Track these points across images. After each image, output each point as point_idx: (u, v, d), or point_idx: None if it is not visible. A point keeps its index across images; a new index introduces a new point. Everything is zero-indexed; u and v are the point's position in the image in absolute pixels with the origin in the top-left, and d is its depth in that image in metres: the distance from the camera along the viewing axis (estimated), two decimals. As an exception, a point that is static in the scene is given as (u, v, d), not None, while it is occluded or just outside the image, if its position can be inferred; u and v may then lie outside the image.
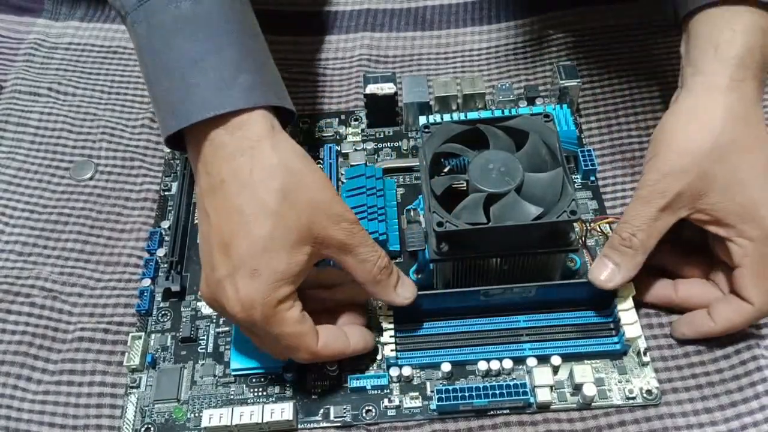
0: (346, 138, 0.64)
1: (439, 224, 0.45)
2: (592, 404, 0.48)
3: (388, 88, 0.61)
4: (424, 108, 0.62)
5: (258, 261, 0.42)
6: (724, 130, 0.46)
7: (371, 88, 0.61)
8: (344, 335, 0.48)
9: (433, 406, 0.48)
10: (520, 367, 0.50)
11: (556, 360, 0.49)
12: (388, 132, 0.64)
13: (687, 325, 0.50)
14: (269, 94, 0.45)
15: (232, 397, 0.50)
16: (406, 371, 0.49)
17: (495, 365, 0.49)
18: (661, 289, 0.51)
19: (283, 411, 0.48)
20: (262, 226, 0.42)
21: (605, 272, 0.48)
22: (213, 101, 0.43)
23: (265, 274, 0.42)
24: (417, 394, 0.49)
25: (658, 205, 0.46)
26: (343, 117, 0.66)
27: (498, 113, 0.56)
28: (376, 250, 0.46)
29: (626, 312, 0.49)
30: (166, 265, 0.56)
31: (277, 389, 0.50)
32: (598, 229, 0.54)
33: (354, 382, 0.50)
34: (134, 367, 0.51)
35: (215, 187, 0.44)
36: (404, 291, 0.48)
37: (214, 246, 0.44)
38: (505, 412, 0.48)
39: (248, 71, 0.44)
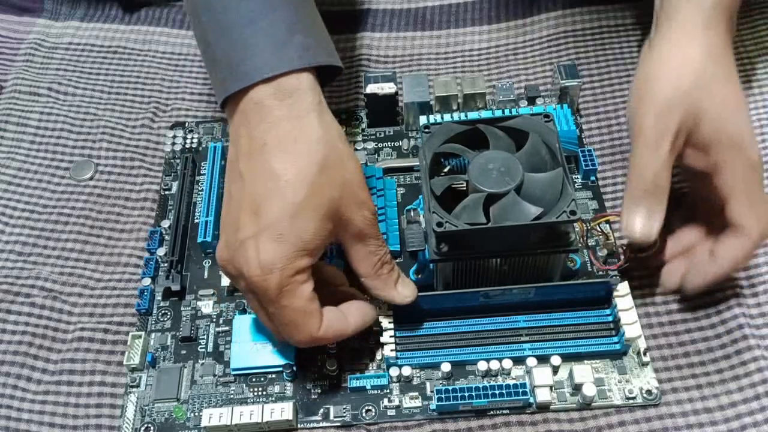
0: (346, 138, 0.64)
1: (439, 224, 0.45)
2: (592, 404, 0.48)
3: (388, 88, 0.61)
4: (425, 108, 0.62)
5: (285, 226, 0.43)
6: (706, 65, 0.47)
7: (372, 88, 0.61)
8: (344, 316, 0.47)
9: (432, 406, 0.48)
10: (520, 367, 0.50)
11: (555, 360, 0.49)
12: (389, 132, 0.64)
13: (695, 276, 0.50)
14: (322, 54, 0.46)
15: (232, 396, 0.50)
16: (406, 371, 0.49)
17: (495, 365, 0.49)
18: (711, 271, 0.50)
19: (282, 411, 0.48)
20: (296, 193, 0.43)
21: (641, 222, 0.47)
22: (271, 61, 0.44)
23: (290, 241, 0.43)
24: (417, 394, 0.49)
25: (666, 145, 0.47)
26: (343, 116, 0.66)
27: (498, 113, 0.56)
28: (384, 245, 0.47)
29: (626, 312, 0.49)
30: (166, 265, 0.56)
31: (277, 389, 0.50)
32: (598, 229, 0.54)
33: (354, 382, 0.50)
34: (134, 366, 0.51)
35: (255, 150, 0.44)
36: (404, 289, 0.48)
37: (242, 207, 0.44)
38: (504, 412, 0.48)
39: (302, 31, 0.46)
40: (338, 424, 0.49)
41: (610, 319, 0.50)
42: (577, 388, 0.48)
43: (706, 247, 0.50)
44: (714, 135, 0.47)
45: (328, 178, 0.44)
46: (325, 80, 0.47)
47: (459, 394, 0.47)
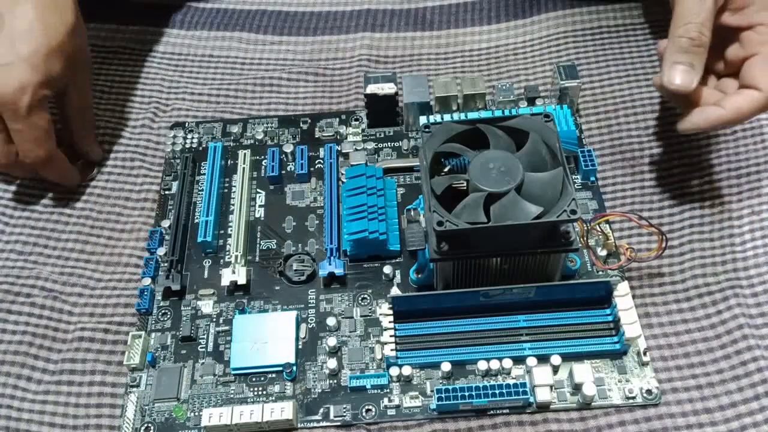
0: (346, 138, 0.64)
1: (440, 223, 0.45)
2: (592, 404, 0.48)
3: (388, 88, 0.61)
4: (425, 108, 0.62)
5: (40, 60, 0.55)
6: None
7: (372, 88, 0.61)
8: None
9: (432, 406, 0.48)
10: (520, 366, 0.50)
11: (555, 359, 0.49)
12: (389, 132, 0.64)
13: (697, 115, 0.51)
14: None
15: (232, 396, 0.50)
16: (406, 371, 0.49)
17: (495, 365, 0.49)
18: (713, 112, 0.52)
19: (283, 410, 0.48)
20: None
21: (680, 76, 0.50)
22: None
23: (41, 72, 0.55)
24: (417, 393, 0.49)
25: (710, 1, 0.50)
26: (343, 117, 0.66)
27: (498, 113, 0.56)
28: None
29: (626, 312, 0.49)
30: (166, 264, 0.56)
31: (277, 388, 0.50)
32: (598, 229, 0.54)
33: (354, 382, 0.50)
34: (134, 366, 0.51)
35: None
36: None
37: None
38: (504, 411, 0.48)
39: None
40: (338, 423, 0.49)
41: (610, 318, 0.50)
42: (577, 388, 0.48)
43: (715, 98, 0.52)
44: None
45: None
46: None
47: (459, 394, 0.47)
